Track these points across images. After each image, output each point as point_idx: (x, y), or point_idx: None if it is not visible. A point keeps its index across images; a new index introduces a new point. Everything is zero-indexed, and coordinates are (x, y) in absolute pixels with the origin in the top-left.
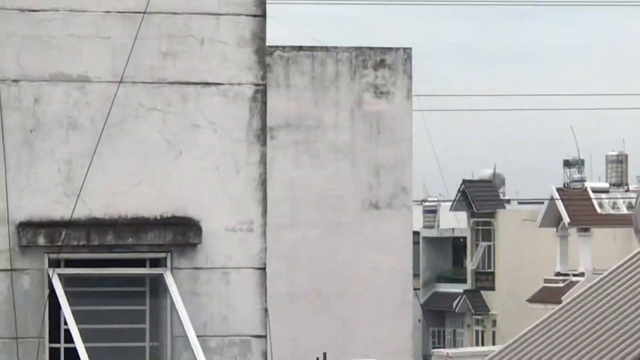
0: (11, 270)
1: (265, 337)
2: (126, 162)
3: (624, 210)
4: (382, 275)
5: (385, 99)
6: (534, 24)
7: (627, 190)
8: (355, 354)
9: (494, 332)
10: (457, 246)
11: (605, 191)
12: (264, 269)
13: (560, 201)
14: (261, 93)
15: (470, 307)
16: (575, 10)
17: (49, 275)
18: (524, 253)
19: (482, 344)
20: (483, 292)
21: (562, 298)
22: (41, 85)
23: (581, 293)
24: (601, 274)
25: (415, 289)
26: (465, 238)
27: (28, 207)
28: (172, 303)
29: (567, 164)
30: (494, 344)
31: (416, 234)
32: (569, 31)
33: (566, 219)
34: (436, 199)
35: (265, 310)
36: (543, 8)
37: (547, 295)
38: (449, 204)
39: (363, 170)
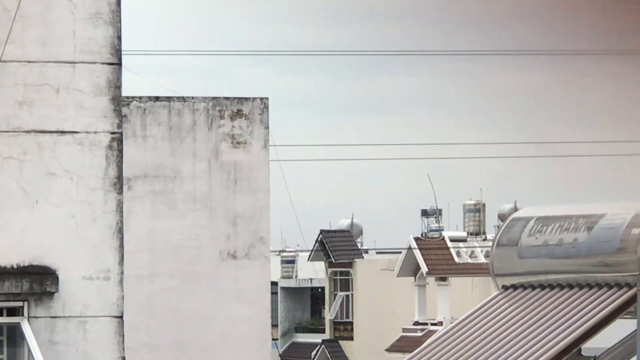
0: None
1: None
2: None
3: (482, 259)
4: (240, 325)
5: (242, 149)
6: (393, 74)
7: (485, 239)
8: None
9: None
10: (315, 296)
11: (463, 240)
12: (121, 317)
13: (418, 250)
14: (117, 141)
15: (329, 357)
16: (433, 61)
17: None
18: (382, 302)
19: None
20: (342, 342)
21: None
22: None
23: (436, 338)
24: None
25: (273, 339)
26: (323, 288)
27: None
28: (30, 352)
29: (425, 213)
30: None
31: (274, 284)
32: (427, 81)
33: (424, 268)
34: (294, 249)
35: (123, 359)
36: (402, 58)
37: (406, 345)
38: (307, 254)
39: (221, 220)
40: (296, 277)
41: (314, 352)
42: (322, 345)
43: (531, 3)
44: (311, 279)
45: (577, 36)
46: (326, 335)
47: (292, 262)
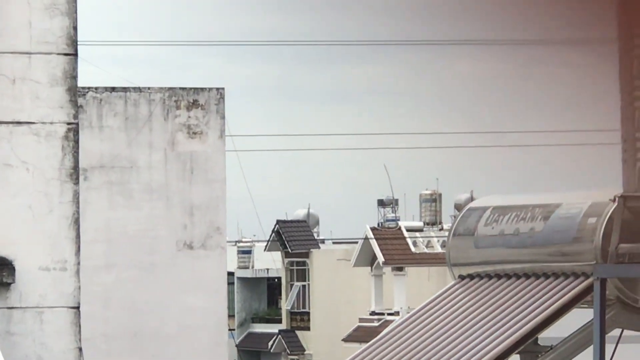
0: None
1: None
2: None
3: (438, 249)
4: (197, 315)
5: (198, 139)
6: (348, 64)
7: (442, 229)
8: None
9: None
10: (272, 286)
11: (419, 230)
12: (77, 307)
13: (374, 240)
14: (73, 132)
15: (286, 347)
16: (389, 50)
17: None
18: (339, 293)
19: None
20: (298, 332)
21: None
22: None
23: (393, 328)
24: None
25: (230, 330)
26: (280, 278)
27: None
28: None
29: (381, 203)
30: None
31: (231, 274)
32: (383, 70)
33: (380, 258)
34: (250, 240)
35: (80, 349)
36: (357, 47)
37: (363, 335)
38: (264, 244)
39: (177, 210)
40: (252, 267)
41: (271, 342)
42: (279, 336)
43: None
44: (267, 269)
45: (533, 25)
46: (283, 326)
47: (249, 252)
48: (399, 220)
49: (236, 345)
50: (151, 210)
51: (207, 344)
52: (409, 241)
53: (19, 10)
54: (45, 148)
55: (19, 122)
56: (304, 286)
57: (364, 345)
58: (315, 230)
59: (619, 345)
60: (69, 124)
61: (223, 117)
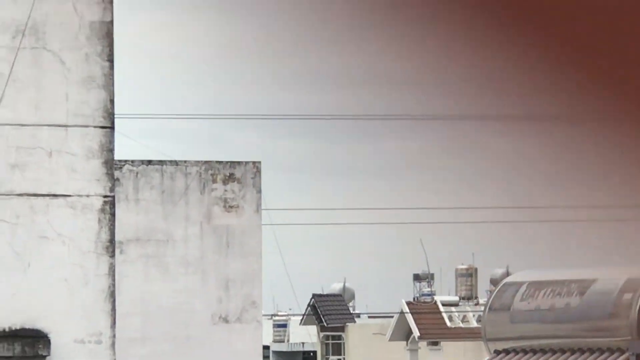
0: None
1: None
2: None
3: (474, 323)
4: None
5: (234, 213)
6: (384, 138)
7: (477, 304)
8: None
9: None
10: None
11: (455, 304)
12: None
13: (410, 314)
14: (110, 205)
15: None
16: (423, 125)
17: None
18: None
19: None
20: None
21: None
22: None
23: None
24: None
25: None
26: (315, 352)
27: None
28: None
29: (417, 277)
30: None
31: (266, 348)
32: (418, 145)
33: (416, 332)
34: (286, 313)
35: None
36: (392, 122)
37: None
38: (299, 318)
39: (213, 284)
40: (288, 341)
41: None
42: None
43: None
44: (303, 343)
45: (569, 102)
46: None
47: (284, 325)
48: (434, 294)
49: None
50: (187, 284)
51: None
52: (445, 316)
53: (56, 82)
54: (82, 221)
55: (55, 195)
56: None
57: None
58: (351, 304)
59: None
60: (105, 196)
61: (259, 191)
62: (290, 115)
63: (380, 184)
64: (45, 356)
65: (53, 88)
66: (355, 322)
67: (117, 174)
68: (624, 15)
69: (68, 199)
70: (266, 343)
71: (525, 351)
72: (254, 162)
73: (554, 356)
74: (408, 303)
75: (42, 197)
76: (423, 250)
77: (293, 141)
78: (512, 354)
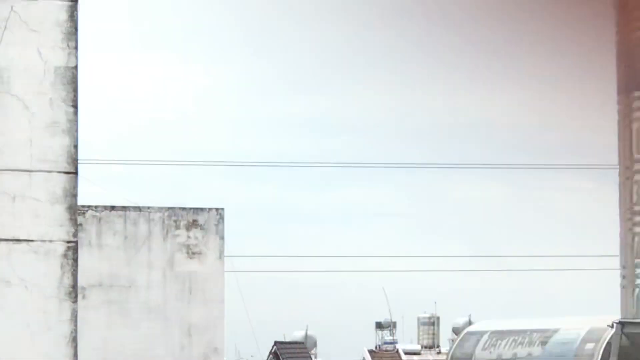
0: None
1: None
2: None
3: None
4: None
5: (197, 259)
6: (347, 186)
7: (439, 353)
8: None
9: None
10: None
11: (417, 353)
12: None
13: None
14: (72, 250)
15: None
16: (389, 173)
17: None
18: None
19: None
20: None
21: None
22: None
23: None
24: None
25: None
26: None
27: None
28: None
29: (379, 325)
30: None
31: None
32: (383, 193)
33: None
34: None
35: None
36: (357, 170)
37: None
38: None
39: (175, 330)
40: None
41: None
42: None
43: (488, 118)
44: None
45: (534, 150)
46: None
47: None
48: (396, 342)
49: None
50: (149, 330)
51: None
52: None
53: (20, 127)
54: (44, 266)
55: (18, 240)
56: None
57: None
58: (313, 351)
59: None
60: (68, 242)
61: (222, 238)
62: (254, 162)
63: (343, 231)
64: None
65: (17, 133)
66: None
67: (80, 219)
68: None
69: (31, 244)
70: None
71: None
72: (217, 209)
73: None
74: (370, 351)
75: (4, 242)
76: (385, 298)
77: (257, 188)
78: None
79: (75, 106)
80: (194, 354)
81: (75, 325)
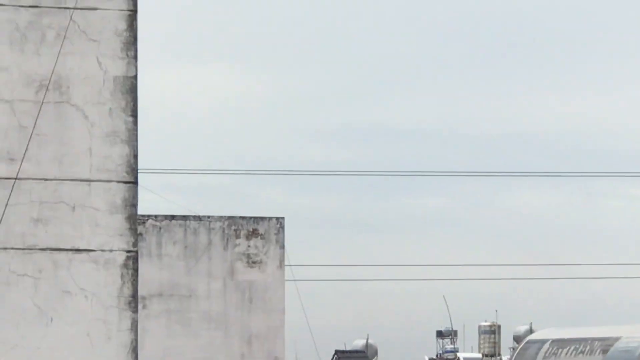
0: None
1: None
2: None
3: None
4: None
5: (257, 269)
6: (408, 195)
7: None
8: None
9: None
10: None
11: None
12: None
13: None
14: (132, 260)
15: None
16: (448, 182)
17: None
18: None
19: None
20: None
21: None
22: None
23: None
24: None
25: None
26: None
27: None
28: None
29: (440, 334)
30: None
31: None
32: (442, 202)
33: None
34: None
35: None
36: (417, 179)
37: None
38: None
39: (236, 339)
40: None
41: None
42: None
43: (545, 127)
44: None
45: (589, 159)
46: None
47: None
48: (457, 351)
49: None
50: (210, 339)
51: None
52: None
53: (79, 137)
54: (104, 276)
55: (78, 250)
56: None
57: None
58: None
59: None
60: (128, 251)
61: (282, 247)
62: (314, 171)
63: (404, 239)
64: None
65: (76, 142)
66: None
67: (140, 229)
68: None
69: (91, 253)
70: None
71: None
72: (277, 218)
73: None
74: (431, 359)
75: (65, 252)
76: (446, 307)
77: (317, 197)
78: None
79: (134, 116)
80: None
81: (136, 335)
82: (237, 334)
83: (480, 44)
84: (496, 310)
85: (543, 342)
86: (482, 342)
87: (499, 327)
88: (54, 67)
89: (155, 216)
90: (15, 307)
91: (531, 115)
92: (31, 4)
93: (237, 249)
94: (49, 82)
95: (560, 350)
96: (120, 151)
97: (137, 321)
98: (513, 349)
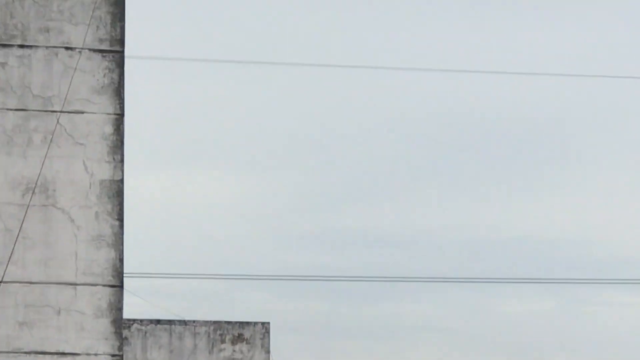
0: None
1: None
2: None
3: None
4: None
5: None
6: (394, 301)
7: None
8: None
9: None
10: None
11: None
12: None
13: None
14: None
15: None
16: (436, 288)
17: None
18: None
19: None
20: None
21: None
22: None
23: None
24: None
25: None
26: None
27: None
28: None
29: None
30: None
31: None
32: (430, 308)
33: None
34: None
35: None
36: (404, 284)
37: None
38: None
39: None
40: None
41: None
42: None
43: (533, 232)
44: None
45: (582, 264)
46: None
47: None
48: None
49: None
50: None
51: None
52: None
53: (65, 240)
54: None
55: (63, 353)
56: None
57: None
58: None
59: None
60: (113, 355)
61: (268, 352)
62: (299, 276)
63: (391, 347)
64: None
65: (62, 246)
66: None
67: (125, 333)
68: None
69: (76, 357)
70: None
71: None
72: (263, 323)
73: None
74: None
75: (50, 355)
76: None
77: (303, 302)
78: None
79: (121, 219)
80: None
81: None
82: None
83: (467, 147)
84: None
85: None
86: None
87: None
88: (41, 171)
89: (141, 320)
90: None
91: (520, 220)
92: (18, 107)
93: (222, 354)
94: (35, 185)
95: None
96: (106, 255)
97: None
98: None
